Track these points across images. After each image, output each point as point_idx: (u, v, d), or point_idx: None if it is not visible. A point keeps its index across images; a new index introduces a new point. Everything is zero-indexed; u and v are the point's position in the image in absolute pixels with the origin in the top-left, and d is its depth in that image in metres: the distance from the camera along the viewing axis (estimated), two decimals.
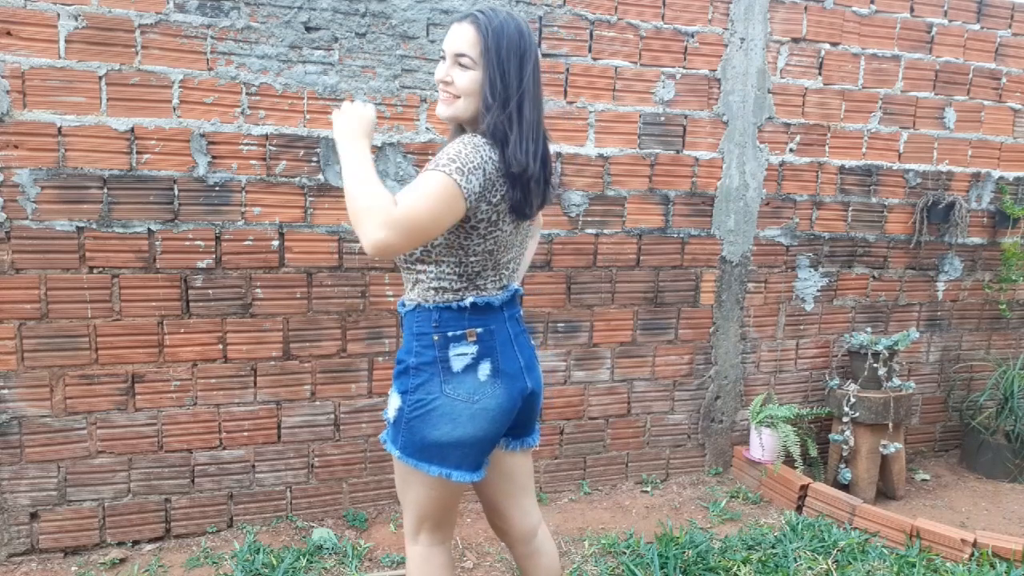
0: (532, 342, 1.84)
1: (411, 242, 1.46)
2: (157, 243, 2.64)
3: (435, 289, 1.66)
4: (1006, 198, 3.87)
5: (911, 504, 3.46)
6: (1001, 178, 3.88)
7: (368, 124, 1.62)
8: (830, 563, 2.70)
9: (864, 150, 3.60)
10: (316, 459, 2.95)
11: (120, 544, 2.73)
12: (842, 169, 3.58)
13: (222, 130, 2.66)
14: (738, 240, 3.45)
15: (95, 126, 2.52)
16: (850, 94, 3.53)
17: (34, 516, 2.63)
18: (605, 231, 3.22)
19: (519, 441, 1.87)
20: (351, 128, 1.59)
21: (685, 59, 3.23)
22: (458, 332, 1.65)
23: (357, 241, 2.86)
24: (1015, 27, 3.75)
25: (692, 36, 3.22)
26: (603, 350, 3.31)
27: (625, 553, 2.79)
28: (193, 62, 2.60)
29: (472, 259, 1.64)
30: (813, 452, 3.43)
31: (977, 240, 3.90)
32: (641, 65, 3.17)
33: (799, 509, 3.23)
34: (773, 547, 2.84)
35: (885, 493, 3.51)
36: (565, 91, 3.07)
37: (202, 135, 2.64)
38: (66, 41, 2.46)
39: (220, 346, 2.76)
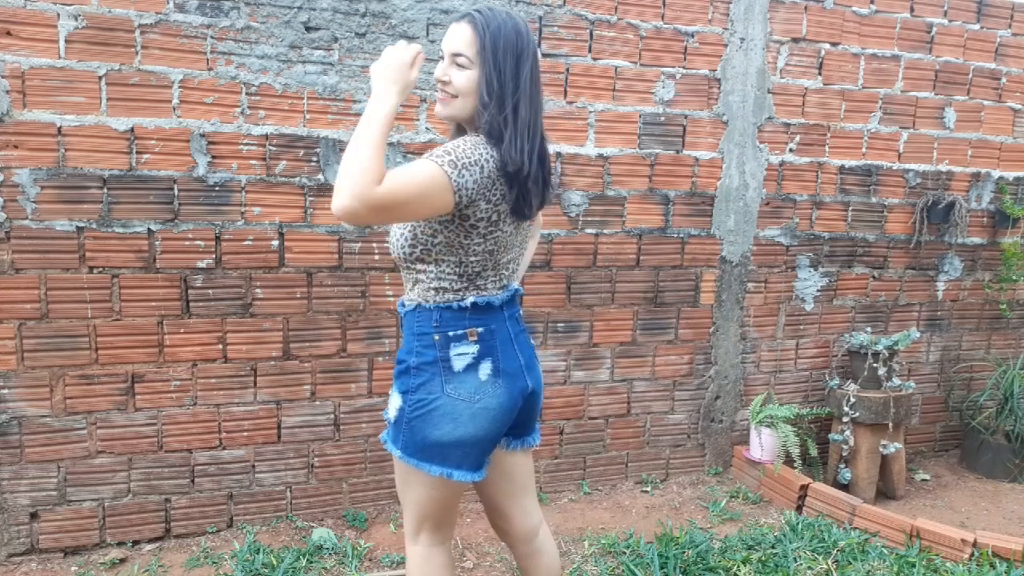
0: (532, 342, 1.84)
1: (378, 219, 1.48)
2: (157, 243, 2.64)
3: (435, 289, 1.66)
4: (1006, 198, 3.87)
5: (911, 504, 3.46)
6: (1001, 178, 3.88)
7: (397, 72, 1.55)
8: (830, 563, 2.70)
9: (864, 150, 3.60)
10: (316, 459, 2.95)
11: (120, 544, 2.73)
12: (842, 169, 3.58)
13: (222, 130, 2.66)
14: (738, 240, 3.45)
15: (95, 126, 2.52)
16: (850, 94, 3.53)
17: (34, 516, 2.63)
18: (605, 231, 3.22)
19: (520, 441, 1.87)
20: (382, 76, 1.55)
21: (685, 59, 3.23)
22: (459, 332, 1.65)
23: (357, 241, 2.86)
24: (1015, 27, 3.75)
25: (692, 36, 3.22)
26: (603, 350, 3.31)
27: (625, 553, 2.79)
28: (193, 62, 2.60)
29: (472, 259, 1.64)
30: (813, 452, 3.43)
31: (977, 240, 3.90)
32: (641, 65, 3.17)
33: (799, 509, 3.23)
34: (773, 547, 2.84)
35: (885, 493, 3.51)
36: (565, 91, 3.07)
37: (202, 135, 2.64)
38: (66, 41, 2.46)
39: (220, 346, 2.76)
